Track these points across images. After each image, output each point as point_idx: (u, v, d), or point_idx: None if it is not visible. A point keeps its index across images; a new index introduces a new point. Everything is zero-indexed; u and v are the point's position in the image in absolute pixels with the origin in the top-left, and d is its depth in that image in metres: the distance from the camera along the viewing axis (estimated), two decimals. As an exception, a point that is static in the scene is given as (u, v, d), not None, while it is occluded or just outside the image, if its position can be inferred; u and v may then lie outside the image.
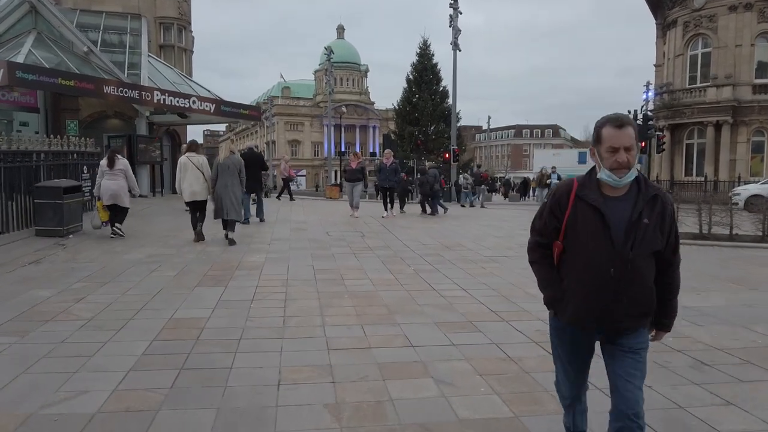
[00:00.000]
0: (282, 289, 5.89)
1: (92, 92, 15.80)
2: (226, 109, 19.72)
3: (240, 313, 4.95)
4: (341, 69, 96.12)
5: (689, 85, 31.14)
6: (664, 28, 34.02)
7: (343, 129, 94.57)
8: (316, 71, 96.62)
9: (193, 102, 18.16)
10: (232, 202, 9.15)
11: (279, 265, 7.16)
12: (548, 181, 19.53)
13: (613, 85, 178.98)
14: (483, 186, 23.85)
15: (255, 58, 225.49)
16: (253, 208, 12.49)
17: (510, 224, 13.64)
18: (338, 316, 4.89)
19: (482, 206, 21.99)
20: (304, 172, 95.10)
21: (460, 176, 24.69)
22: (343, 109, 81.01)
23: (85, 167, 11.65)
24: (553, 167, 21.51)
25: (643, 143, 27.63)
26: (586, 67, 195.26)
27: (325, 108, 79.19)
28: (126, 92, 16.25)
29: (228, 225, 9.20)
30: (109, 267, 6.90)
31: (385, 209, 14.10)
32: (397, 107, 49.06)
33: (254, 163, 13.40)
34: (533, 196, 27.50)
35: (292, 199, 19.78)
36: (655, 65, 36.75)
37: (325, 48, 50.57)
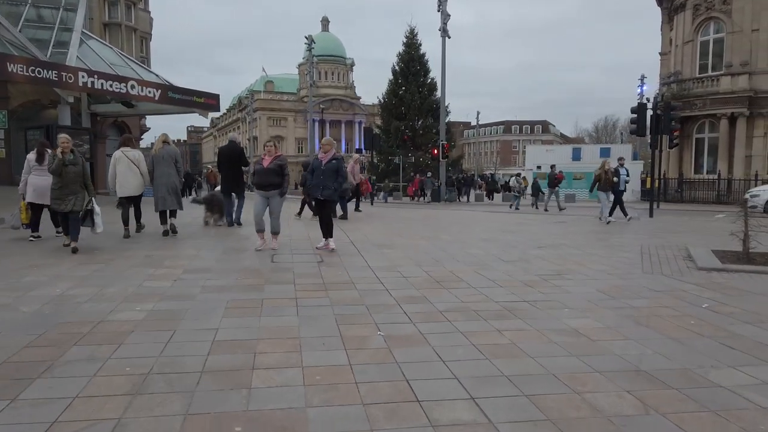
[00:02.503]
0: (113, 407, 2.94)
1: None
2: (175, 96, 16.66)
3: None
4: (326, 62, 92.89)
5: (700, 74, 28.55)
6: (670, 12, 31.39)
7: (328, 124, 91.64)
8: (300, 65, 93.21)
9: (132, 87, 15.12)
10: (169, 193, 9.48)
11: (154, 335, 4.20)
12: (615, 179, 14.20)
13: (601, 82, 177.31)
14: (558, 189, 22.38)
15: (246, 55, 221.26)
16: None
17: (517, 238, 10.75)
18: None
19: (561, 209, 21.09)
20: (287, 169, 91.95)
21: (512, 178, 23.90)
22: (321, 106, 77.79)
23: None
24: (621, 159, 15.50)
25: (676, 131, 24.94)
26: (574, 64, 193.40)
27: (318, 105, 76.25)
28: (41, 72, 13.14)
29: (164, 216, 9.58)
30: None
31: (324, 236, 8.40)
32: (382, 100, 46.03)
33: (233, 159, 11.52)
34: (537, 199, 24.10)
35: (358, 209, 16.40)
36: (661, 53, 34.14)
37: (306, 38, 47.33)
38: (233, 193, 11.62)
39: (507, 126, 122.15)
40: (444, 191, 33.11)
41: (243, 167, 12.31)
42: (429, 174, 37.94)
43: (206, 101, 17.79)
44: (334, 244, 8.35)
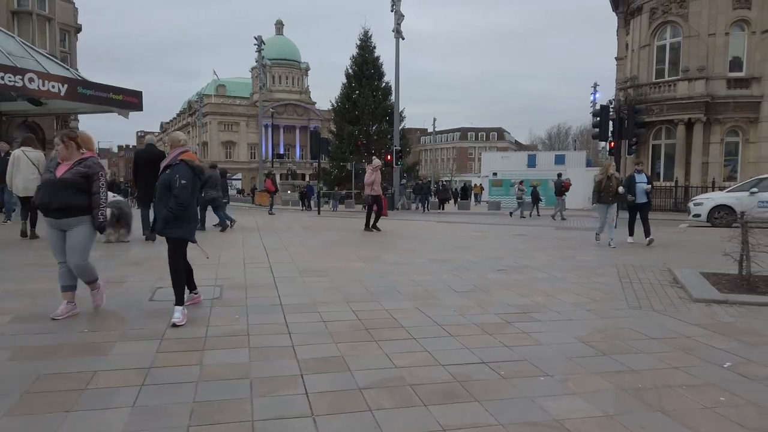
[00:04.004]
0: None
1: None
2: (86, 92, 14.53)
3: None
4: (280, 66, 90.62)
5: (657, 78, 28.00)
6: (626, 16, 30.88)
7: (282, 130, 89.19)
8: (252, 68, 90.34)
9: (30, 80, 12.97)
10: None
11: None
12: (621, 190, 10.83)
13: (554, 91, 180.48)
14: (564, 197, 21.58)
15: (202, 60, 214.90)
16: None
17: (474, 256, 9.23)
18: None
19: (563, 218, 20.46)
20: (239, 175, 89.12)
21: (514, 186, 22.84)
22: (272, 110, 75.54)
23: None
24: (639, 163, 12.00)
25: (612, 143, 24.14)
26: (529, 73, 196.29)
27: (269, 109, 73.65)
28: None
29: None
30: None
31: (176, 291, 4.86)
32: (335, 104, 44.33)
33: (151, 165, 9.62)
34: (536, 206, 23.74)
35: (371, 227, 13.41)
36: (617, 58, 33.64)
37: (255, 38, 45.23)
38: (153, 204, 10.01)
39: (463, 133, 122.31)
40: (398, 199, 31.78)
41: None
42: (403, 181, 36.54)
43: (125, 99, 15.67)
44: (181, 316, 4.68)
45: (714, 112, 26.16)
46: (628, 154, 23.72)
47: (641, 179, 11.17)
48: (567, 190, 22.34)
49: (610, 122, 15.50)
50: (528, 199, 23.60)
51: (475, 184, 46.40)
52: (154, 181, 10.60)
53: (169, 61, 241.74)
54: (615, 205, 11.03)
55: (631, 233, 11.45)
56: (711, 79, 26.14)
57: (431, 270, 7.55)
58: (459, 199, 41.85)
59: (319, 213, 24.70)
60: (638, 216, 11.35)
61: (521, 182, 24.84)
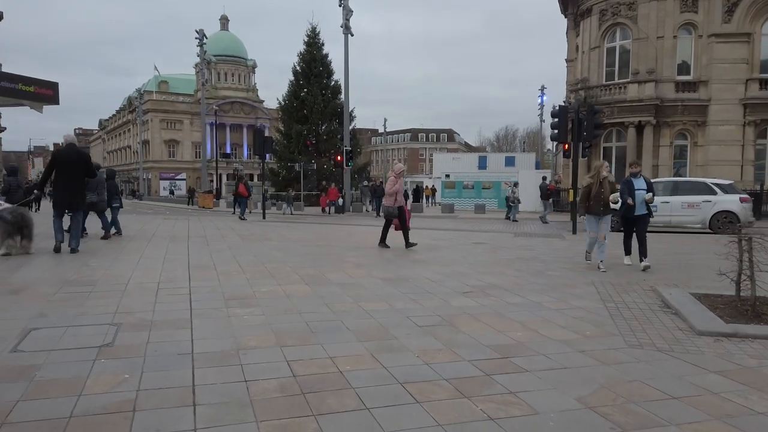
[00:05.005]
0: None
1: None
2: (-16, 82, 12.64)
3: None
4: (225, 63, 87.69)
5: (607, 81, 27.93)
6: (576, 18, 30.74)
7: (228, 128, 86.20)
8: (196, 64, 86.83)
9: None
10: None
11: None
12: (617, 200, 8.62)
13: (500, 95, 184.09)
14: (551, 200, 21.23)
15: (141, 55, 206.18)
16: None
17: (433, 273, 8.14)
18: None
19: (544, 221, 20.11)
20: (183, 175, 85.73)
21: (508, 188, 22.38)
22: (215, 107, 72.97)
23: None
24: (633, 164, 9.38)
25: (567, 145, 23.72)
26: (476, 77, 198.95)
27: (212, 106, 70.71)
28: None
29: None
30: None
31: None
32: (282, 102, 42.64)
33: (73, 166, 9.33)
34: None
35: (406, 245, 11.14)
36: (567, 60, 33.54)
37: (197, 32, 42.99)
38: (68, 211, 9.54)
39: (414, 134, 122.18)
40: (350, 202, 30.71)
41: (88, 177, 9.96)
42: (365, 182, 35.28)
43: (38, 91, 13.80)
44: None
45: (663, 115, 26.25)
46: (582, 156, 23.40)
47: (640, 185, 8.80)
48: (552, 193, 22.29)
49: (569, 123, 14.76)
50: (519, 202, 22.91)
51: (426, 186, 45.59)
52: (75, 185, 9.29)
53: (110, 57, 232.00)
54: (608, 216, 8.82)
55: (628, 252, 9.26)
56: (660, 81, 26.22)
57: (385, 294, 6.40)
58: (411, 202, 41.02)
59: (264, 217, 23.13)
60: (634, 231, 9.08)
61: (516, 184, 23.91)
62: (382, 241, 11.28)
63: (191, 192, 47.84)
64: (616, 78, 27.63)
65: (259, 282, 6.87)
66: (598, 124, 14.91)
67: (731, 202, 15.45)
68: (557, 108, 15.43)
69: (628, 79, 26.84)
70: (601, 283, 7.26)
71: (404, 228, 11.09)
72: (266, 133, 74.87)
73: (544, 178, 22.88)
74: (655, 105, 25.98)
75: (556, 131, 15.28)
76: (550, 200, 21.83)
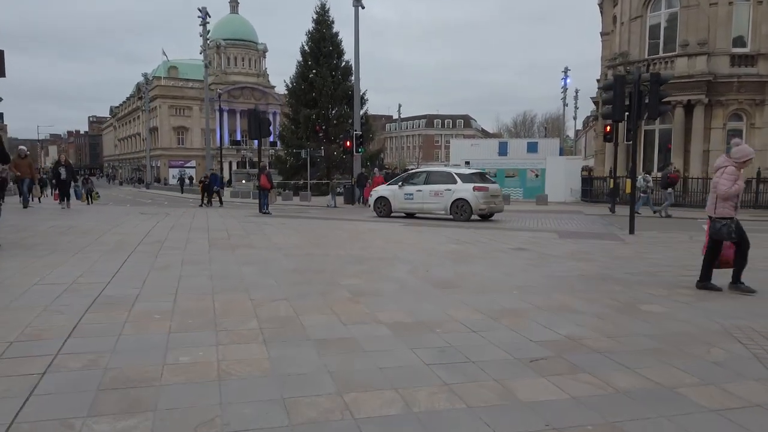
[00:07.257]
0: None
1: None
2: None
3: None
4: (235, 47, 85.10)
5: (650, 55, 24.74)
6: (614, -15, 27.53)
7: (238, 114, 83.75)
8: (202, 44, 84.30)
9: None
10: None
11: None
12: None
13: (516, 81, 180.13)
14: (671, 190, 19.13)
15: (156, 43, 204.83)
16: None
17: (472, 303, 5.40)
18: None
19: (667, 215, 18.74)
20: (193, 163, 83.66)
21: (639, 176, 19.13)
22: (219, 91, 70.37)
23: None
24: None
25: (608, 127, 20.81)
26: (491, 63, 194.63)
27: (216, 90, 68.22)
28: None
29: None
30: None
31: None
32: (290, 85, 39.92)
33: None
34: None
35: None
36: (603, 33, 30.32)
37: (200, 10, 40.38)
38: None
39: (429, 120, 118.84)
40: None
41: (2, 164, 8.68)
42: (381, 171, 32.23)
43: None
44: None
45: (716, 93, 23.11)
46: (626, 141, 20.46)
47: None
48: (675, 182, 19.75)
49: (626, 97, 11.91)
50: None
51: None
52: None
53: (128, 45, 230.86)
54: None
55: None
56: (713, 55, 23.06)
57: (396, 369, 3.68)
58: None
59: (260, 211, 20.29)
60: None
61: (648, 173, 21.31)
62: (708, 279, 6.44)
63: (201, 182, 44.83)
64: (661, 51, 24.48)
65: (188, 338, 4.16)
66: (664, 96, 11.99)
67: (465, 191, 16.17)
68: (611, 79, 12.54)
69: (676, 53, 23.68)
70: (740, 330, 4.50)
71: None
72: (277, 119, 72.03)
73: (665, 167, 20.81)
74: (707, 81, 22.83)
75: (609, 107, 12.38)
76: (669, 190, 19.02)
